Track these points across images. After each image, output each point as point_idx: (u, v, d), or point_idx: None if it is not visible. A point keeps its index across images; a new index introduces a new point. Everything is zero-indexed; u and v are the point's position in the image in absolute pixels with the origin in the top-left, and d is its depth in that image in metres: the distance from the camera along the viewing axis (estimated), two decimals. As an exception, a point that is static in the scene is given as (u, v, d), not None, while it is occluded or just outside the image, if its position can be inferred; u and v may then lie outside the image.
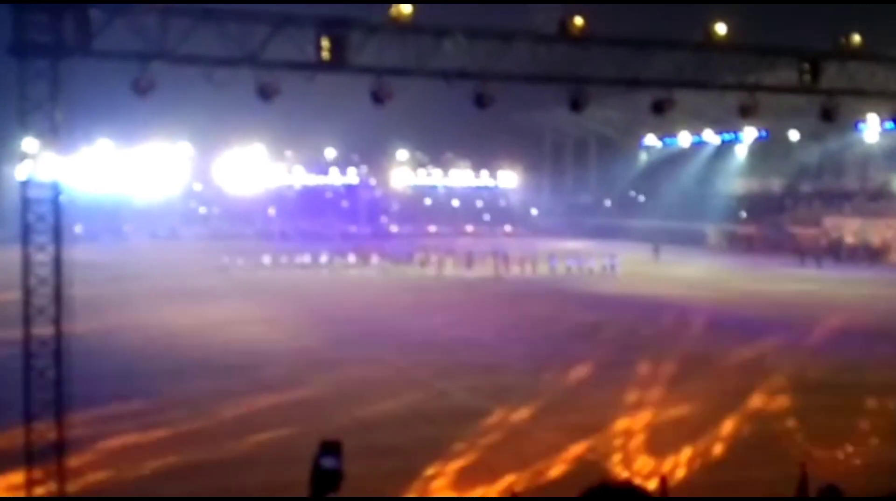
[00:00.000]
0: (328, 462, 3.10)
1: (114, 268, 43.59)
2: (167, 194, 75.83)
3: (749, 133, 68.68)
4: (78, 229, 52.37)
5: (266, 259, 45.90)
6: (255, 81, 12.76)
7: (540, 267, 44.35)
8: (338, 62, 12.61)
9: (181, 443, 14.29)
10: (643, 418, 15.97)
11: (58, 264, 11.63)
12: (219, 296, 34.37)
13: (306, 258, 46.53)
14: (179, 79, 13.25)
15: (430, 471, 12.94)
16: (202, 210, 79.21)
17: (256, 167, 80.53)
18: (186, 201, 78.19)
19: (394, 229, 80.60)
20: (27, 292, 11.65)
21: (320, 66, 12.72)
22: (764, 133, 67.67)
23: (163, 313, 29.55)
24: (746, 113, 17.67)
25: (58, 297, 11.61)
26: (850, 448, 14.03)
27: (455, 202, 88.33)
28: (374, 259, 46.35)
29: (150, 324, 26.92)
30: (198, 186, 79.49)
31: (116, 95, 16.31)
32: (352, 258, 47.36)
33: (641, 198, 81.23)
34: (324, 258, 46.57)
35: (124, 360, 21.22)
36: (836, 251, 56.34)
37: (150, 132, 71.09)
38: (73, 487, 11.69)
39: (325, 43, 12.51)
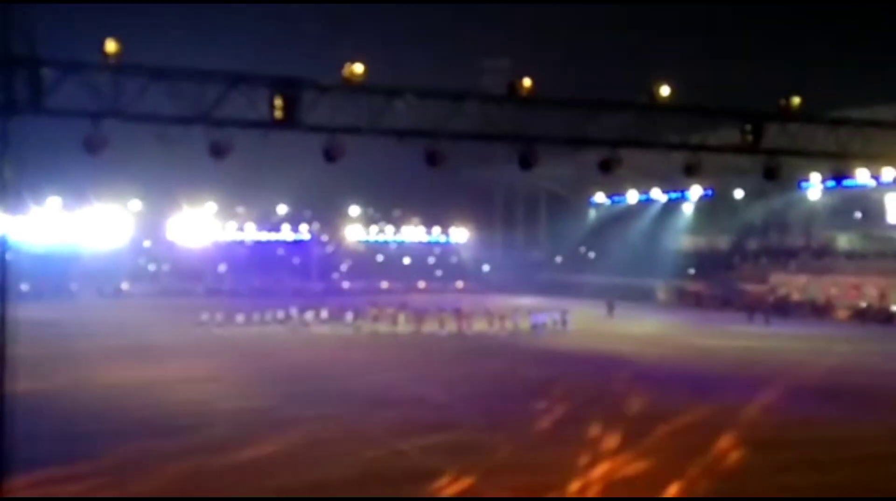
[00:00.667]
0: None
1: (60, 326, 42.49)
2: (115, 251, 74.60)
3: (695, 191, 70.46)
4: (24, 287, 51.20)
5: (239, 317, 44.88)
6: (208, 139, 12.81)
7: (493, 324, 44.42)
8: (290, 121, 12.76)
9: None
10: (596, 477, 15.93)
11: (2, 322, 11.35)
12: (170, 354, 33.66)
13: (276, 315, 45.66)
14: (131, 137, 13.25)
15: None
16: (151, 267, 78.02)
17: (207, 224, 79.95)
18: (135, 258, 76.98)
19: (346, 285, 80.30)
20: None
21: (273, 124, 12.85)
22: (710, 191, 69.51)
23: (110, 372, 28.80)
24: (691, 171, 18.24)
25: (1, 356, 11.30)
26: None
27: (406, 259, 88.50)
28: (349, 316, 45.59)
29: (96, 383, 26.20)
30: (147, 243, 78.45)
31: (67, 153, 16.25)
32: (323, 315, 46.64)
33: (591, 254, 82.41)
34: (281, 315, 45.92)
35: (67, 420, 20.56)
36: (782, 308, 57.57)
37: (100, 190, 70.31)
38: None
39: (277, 102, 12.66)
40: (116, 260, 73.81)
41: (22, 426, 11.90)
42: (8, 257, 11.66)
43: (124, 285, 72.18)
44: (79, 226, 73.04)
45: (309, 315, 46.54)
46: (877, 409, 23.16)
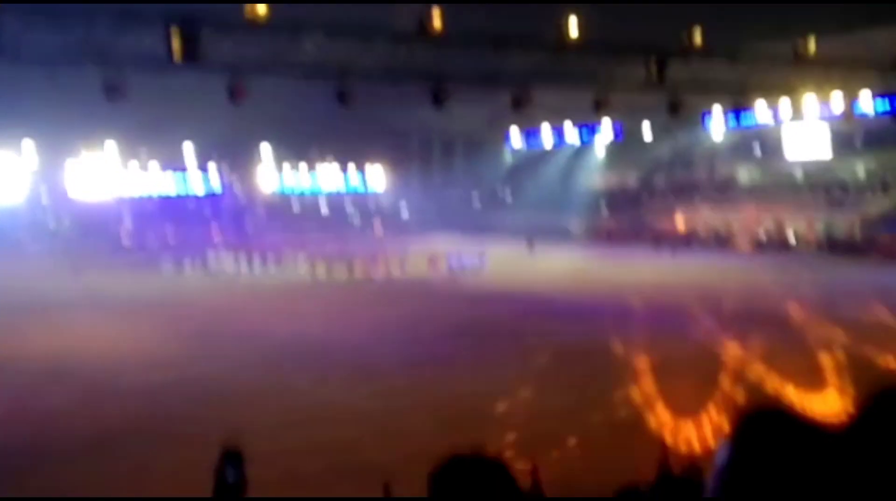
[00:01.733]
0: (231, 475, 3.03)
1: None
2: (12, 207, 70.64)
3: (606, 130, 71.63)
4: None
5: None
6: (101, 79, 12.13)
7: (412, 267, 44.48)
8: (190, 59, 12.17)
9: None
10: (515, 408, 16.31)
11: None
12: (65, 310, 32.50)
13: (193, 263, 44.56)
14: (19, 79, 12.42)
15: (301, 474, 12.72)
16: (51, 224, 74.24)
17: (109, 173, 75.99)
18: (33, 214, 73.04)
19: (261, 235, 78.71)
20: None
21: (171, 63, 12.25)
22: (619, 130, 70.77)
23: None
24: (600, 107, 18.45)
25: None
26: (704, 425, 14.81)
27: (323, 207, 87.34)
28: (264, 264, 44.78)
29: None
30: (45, 198, 74.40)
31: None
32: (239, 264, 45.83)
33: (509, 195, 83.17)
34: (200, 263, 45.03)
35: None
36: (688, 240, 59.73)
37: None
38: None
39: (175, 40, 12.05)
40: (12, 216, 70.03)
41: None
42: None
43: (22, 243, 68.63)
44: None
45: (226, 264, 45.60)
46: (764, 328, 24.34)
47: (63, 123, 60.17)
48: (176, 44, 11.83)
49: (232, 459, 2.70)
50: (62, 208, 74.54)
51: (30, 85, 14.25)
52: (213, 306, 33.38)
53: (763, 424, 1.64)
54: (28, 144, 70.17)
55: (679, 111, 19.19)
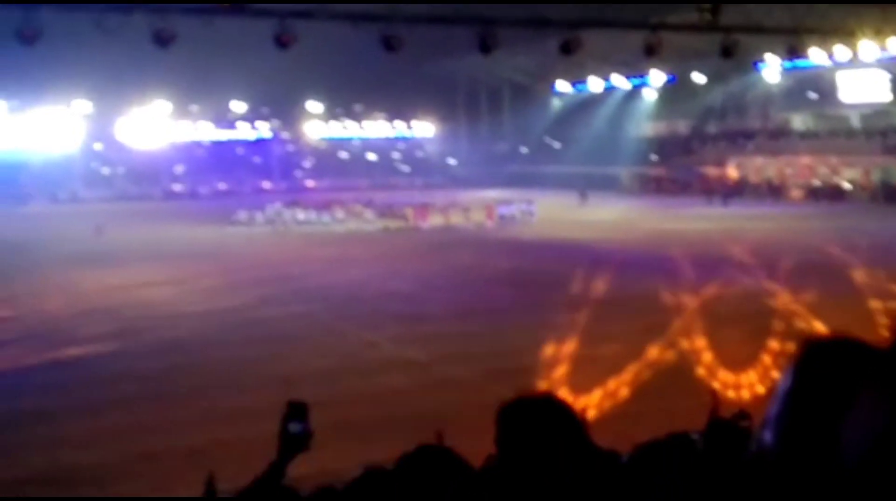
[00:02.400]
0: (294, 427, 3.12)
1: (15, 235, 41.72)
2: (66, 154, 72.17)
3: (656, 77, 70.09)
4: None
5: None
6: (150, 27, 12.17)
7: (461, 217, 44.43)
8: (236, 5, 12.13)
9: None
10: (564, 357, 16.33)
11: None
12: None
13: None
14: (69, 29, 12.56)
15: (351, 423, 12.95)
16: (105, 171, 75.84)
17: (161, 123, 77.22)
18: (87, 162, 74.61)
19: (309, 183, 79.30)
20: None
21: (218, 9, 12.21)
22: (671, 77, 69.20)
23: (70, 278, 28.47)
24: (651, 52, 17.99)
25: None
26: (752, 374, 14.67)
27: (371, 155, 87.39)
28: (315, 214, 45.13)
29: (56, 289, 25.92)
30: (98, 146, 75.87)
31: (4, 51, 15.43)
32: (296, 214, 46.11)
33: (556, 144, 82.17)
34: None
35: (32, 329, 20.42)
36: (740, 190, 58.52)
37: (46, 91, 67.43)
38: None
39: (223, -16, 12.04)
40: (68, 164, 71.65)
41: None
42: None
43: (78, 191, 70.34)
44: (25, 129, 70.52)
45: (284, 213, 45.96)
46: (815, 278, 23.82)
47: (116, 78, 61.13)
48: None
49: (297, 411, 2.78)
50: (115, 156, 76.10)
51: (80, 38, 14.39)
52: (264, 255, 33.92)
53: (828, 350, 1.65)
54: (80, 96, 71.49)
55: (732, 55, 18.58)
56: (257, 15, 12.72)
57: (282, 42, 13.07)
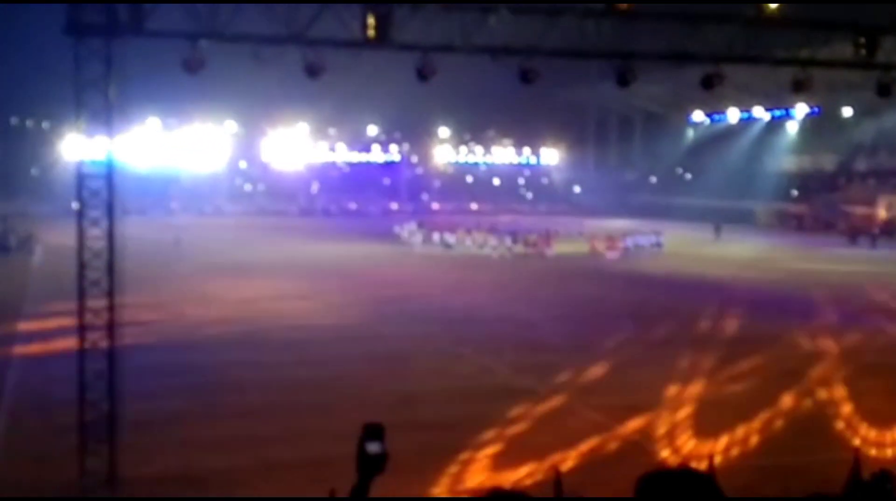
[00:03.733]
0: (373, 448, 3.21)
1: (163, 245, 44.45)
2: (213, 171, 76.97)
3: (801, 109, 67.14)
4: (127, 206, 53.34)
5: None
6: (302, 59, 12.85)
7: (585, 246, 43.90)
8: (383, 39, 12.61)
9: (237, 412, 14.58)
10: (686, 398, 15.83)
11: (111, 239, 11.91)
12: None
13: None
14: (228, 57, 13.41)
15: (471, 448, 12.99)
16: (247, 187, 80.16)
17: (300, 145, 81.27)
18: (232, 178, 79.20)
19: (435, 206, 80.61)
20: (81, 266, 11.96)
21: (366, 43, 12.75)
22: (816, 109, 66.10)
23: (211, 288, 30.01)
24: (800, 88, 17.27)
25: (111, 271, 11.90)
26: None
27: (496, 180, 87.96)
28: (441, 236, 45.71)
29: (198, 297, 27.39)
30: (243, 164, 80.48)
31: (166, 74, 16.62)
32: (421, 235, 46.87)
33: (688, 176, 79.96)
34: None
35: (172, 333, 21.66)
36: (890, 231, 55.02)
37: (198, 111, 72.26)
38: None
39: (370, 20, 12.53)
40: (214, 180, 76.24)
41: (129, 337, 12.58)
42: (114, 175, 12.11)
43: (222, 205, 74.51)
44: (178, 146, 75.49)
45: (414, 235, 46.85)
46: None
47: (262, 101, 64.79)
48: (370, 24, 12.33)
49: (374, 432, 2.86)
50: (257, 174, 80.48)
51: (237, 66, 15.39)
52: (389, 275, 34.66)
53: (662, 483, 1.67)
54: (230, 117, 76.24)
55: (890, 93, 17.61)
56: (402, 48, 13.15)
57: (423, 74, 13.46)
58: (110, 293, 11.87)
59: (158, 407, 14.70)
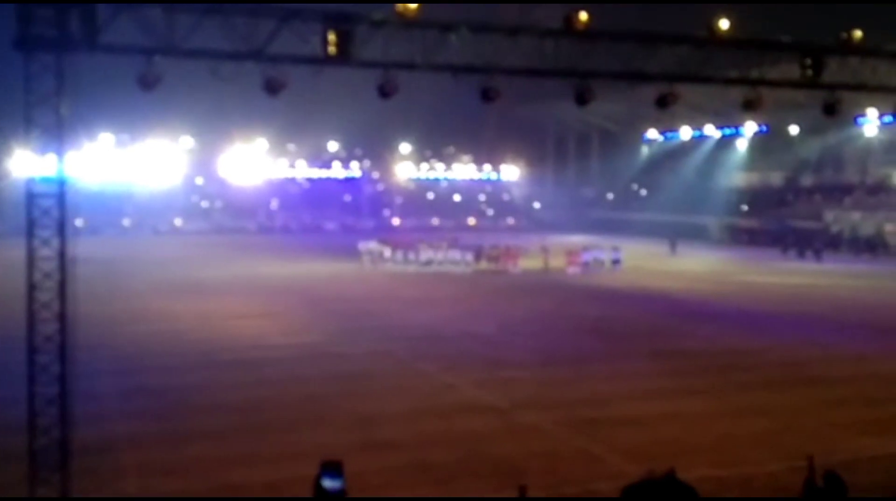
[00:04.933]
0: (330, 484, 3.14)
1: (115, 263, 43.68)
2: (169, 187, 75.75)
3: (750, 127, 68.78)
4: (79, 223, 52.46)
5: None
6: (262, 75, 12.77)
7: (545, 261, 44.13)
8: (344, 56, 12.62)
9: (180, 433, 14.31)
10: (648, 411, 15.97)
11: (62, 258, 11.62)
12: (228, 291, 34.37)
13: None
14: (185, 73, 13.26)
15: (435, 466, 12.92)
16: (204, 204, 79.08)
17: (258, 161, 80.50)
18: (188, 195, 78.04)
19: (396, 222, 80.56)
20: (31, 287, 11.63)
21: (326, 60, 12.73)
22: (764, 127, 67.75)
23: (164, 306, 29.55)
24: (750, 107, 17.76)
25: (63, 292, 11.61)
26: (861, 441, 14.00)
27: (457, 196, 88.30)
28: (401, 253, 45.22)
29: (151, 317, 26.94)
30: (200, 180, 79.38)
31: (120, 90, 16.38)
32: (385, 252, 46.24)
33: (643, 192, 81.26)
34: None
35: (127, 354, 21.22)
36: (836, 245, 56.50)
37: (153, 126, 71.21)
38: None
39: (331, 37, 12.53)
40: (169, 197, 75.03)
41: (81, 361, 12.28)
42: (66, 193, 11.82)
43: (178, 222, 73.41)
44: (132, 163, 74.23)
45: (375, 251, 46.36)
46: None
47: (219, 116, 64.19)
48: (332, 41, 12.32)
49: (331, 469, 2.80)
50: (214, 191, 79.39)
51: (194, 82, 15.23)
52: (350, 292, 34.45)
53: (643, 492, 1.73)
54: (185, 132, 75.34)
55: (835, 113, 18.19)
56: (363, 66, 13.16)
57: (385, 92, 13.48)
58: (62, 316, 11.57)
59: (113, 431, 14.37)
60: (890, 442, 13.84)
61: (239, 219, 75.90)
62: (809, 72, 17.04)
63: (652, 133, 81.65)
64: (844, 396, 17.10)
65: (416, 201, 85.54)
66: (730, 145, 73.60)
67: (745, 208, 68.91)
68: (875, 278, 41.47)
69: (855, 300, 32.62)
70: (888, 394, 17.29)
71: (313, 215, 79.08)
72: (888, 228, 56.36)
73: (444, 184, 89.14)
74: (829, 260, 49.81)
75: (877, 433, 14.50)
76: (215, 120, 68.69)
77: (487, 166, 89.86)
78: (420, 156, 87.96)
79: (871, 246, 55.27)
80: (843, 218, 60.12)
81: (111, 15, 11.74)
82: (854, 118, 57.24)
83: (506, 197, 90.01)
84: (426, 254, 44.72)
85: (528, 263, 43.72)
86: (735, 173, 73.31)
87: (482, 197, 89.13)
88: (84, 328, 12.86)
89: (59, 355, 11.61)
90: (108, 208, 67.35)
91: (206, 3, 12.23)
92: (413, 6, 12.79)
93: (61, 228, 11.63)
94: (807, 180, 69.42)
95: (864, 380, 18.59)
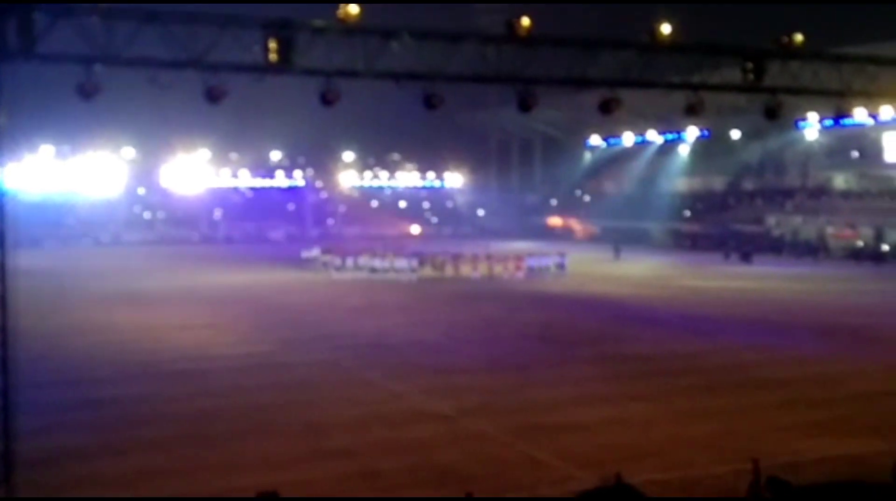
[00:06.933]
0: None
1: (57, 275, 42.58)
2: (110, 199, 74.25)
3: (692, 132, 70.10)
4: (19, 235, 50.99)
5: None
6: (202, 83, 12.64)
7: (490, 268, 44.41)
8: (285, 64, 12.57)
9: (132, 445, 14.02)
10: (591, 417, 16.13)
11: (2, 270, 11.33)
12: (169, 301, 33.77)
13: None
14: (125, 83, 13.06)
15: (384, 475, 12.89)
16: (146, 215, 77.65)
17: (201, 170, 79.41)
18: (130, 206, 76.58)
19: (340, 230, 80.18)
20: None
21: (267, 67, 12.66)
22: (706, 132, 69.15)
23: (107, 317, 28.92)
24: (692, 111, 18.11)
25: (3, 304, 11.32)
26: (801, 443, 14.32)
27: (402, 204, 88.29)
28: (345, 262, 44.94)
29: (93, 328, 26.33)
30: (142, 191, 77.96)
31: (60, 101, 16.04)
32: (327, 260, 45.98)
33: (587, 198, 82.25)
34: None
35: (69, 366, 20.70)
36: (778, 248, 57.90)
37: (94, 137, 69.74)
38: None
39: (272, 44, 12.47)
40: (111, 208, 73.54)
41: (23, 373, 11.97)
42: (4, 204, 11.55)
43: (120, 234, 71.93)
44: (73, 174, 72.55)
45: (319, 260, 46.06)
46: (869, 347, 23.45)
47: (161, 126, 63.13)
48: (272, 48, 12.24)
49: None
50: (156, 201, 78.03)
51: (133, 91, 15.01)
52: (296, 301, 34.15)
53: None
54: (126, 143, 73.94)
55: (776, 117, 18.64)
56: (305, 73, 13.11)
57: (327, 100, 13.45)
58: (3, 328, 11.27)
59: (57, 444, 14.02)
60: (833, 444, 14.08)
61: (182, 229, 74.75)
62: (751, 76, 17.43)
63: (595, 139, 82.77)
64: (788, 398, 17.42)
65: (360, 209, 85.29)
66: (672, 151, 74.96)
67: (687, 212, 70.22)
68: (816, 281, 42.61)
69: (796, 303, 33.43)
70: (830, 396, 17.66)
71: (257, 224, 78.30)
72: (829, 231, 57.96)
73: (387, 192, 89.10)
74: (771, 263, 50.98)
75: (820, 435, 14.80)
76: (157, 130, 67.63)
77: (431, 174, 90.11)
78: (363, 164, 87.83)
79: (813, 249, 56.72)
80: (785, 222, 61.67)
81: (49, 23, 11.52)
82: (795, 122, 58.57)
83: (450, 204, 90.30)
84: (372, 262, 44.61)
85: (474, 270, 43.93)
86: (677, 178, 74.66)
87: (426, 205, 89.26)
88: (26, 341, 12.54)
89: (0, 368, 11.31)
90: (50, 220, 65.71)
91: (145, 7, 12.08)
92: (354, 11, 12.80)
93: (1, 240, 11.34)
94: (748, 184, 71.00)
95: (807, 382, 18.97)
